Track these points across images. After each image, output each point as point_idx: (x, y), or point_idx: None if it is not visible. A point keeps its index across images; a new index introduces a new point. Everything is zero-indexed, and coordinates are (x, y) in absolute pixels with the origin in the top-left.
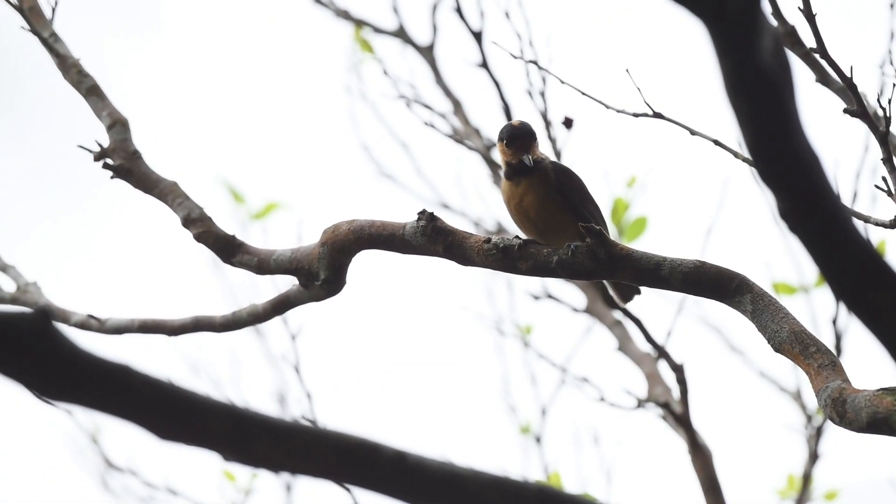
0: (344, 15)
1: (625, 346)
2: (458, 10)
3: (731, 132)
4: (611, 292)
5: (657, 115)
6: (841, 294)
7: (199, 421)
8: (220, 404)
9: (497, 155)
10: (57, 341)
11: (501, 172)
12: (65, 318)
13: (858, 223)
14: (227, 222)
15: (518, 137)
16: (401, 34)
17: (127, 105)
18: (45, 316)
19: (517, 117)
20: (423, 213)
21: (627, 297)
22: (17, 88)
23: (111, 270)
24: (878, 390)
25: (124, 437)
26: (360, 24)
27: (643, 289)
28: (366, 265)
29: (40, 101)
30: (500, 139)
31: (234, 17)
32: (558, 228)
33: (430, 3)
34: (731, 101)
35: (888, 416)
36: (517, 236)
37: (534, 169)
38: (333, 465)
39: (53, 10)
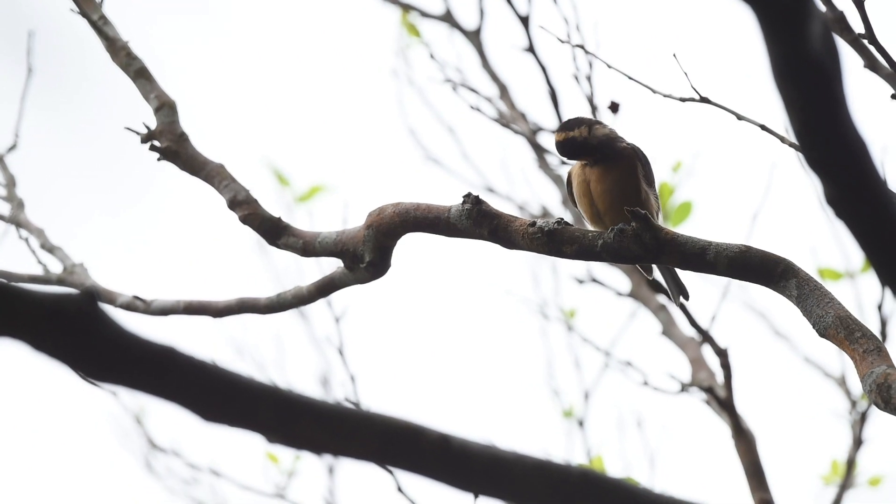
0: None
1: (669, 330)
2: None
3: (778, 117)
4: (667, 290)
5: (704, 100)
6: (887, 280)
7: (244, 402)
8: (265, 386)
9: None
10: (103, 322)
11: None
12: (111, 299)
13: None
14: (272, 205)
15: (569, 144)
16: (447, 18)
17: (174, 87)
18: (92, 297)
19: (572, 120)
20: (468, 196)
21: (677, 298)
22: (67, 71)
23: (157, 252)
24: None
25: (168, 418)
26: (407, 7)
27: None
28: (411, 248)
29: (90, 83)
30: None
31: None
32: (618, 205)
33: None
34: (779, 86)
35: None
36: (561, 218)
37: (618, 156)
38: (377, 448)
39: None
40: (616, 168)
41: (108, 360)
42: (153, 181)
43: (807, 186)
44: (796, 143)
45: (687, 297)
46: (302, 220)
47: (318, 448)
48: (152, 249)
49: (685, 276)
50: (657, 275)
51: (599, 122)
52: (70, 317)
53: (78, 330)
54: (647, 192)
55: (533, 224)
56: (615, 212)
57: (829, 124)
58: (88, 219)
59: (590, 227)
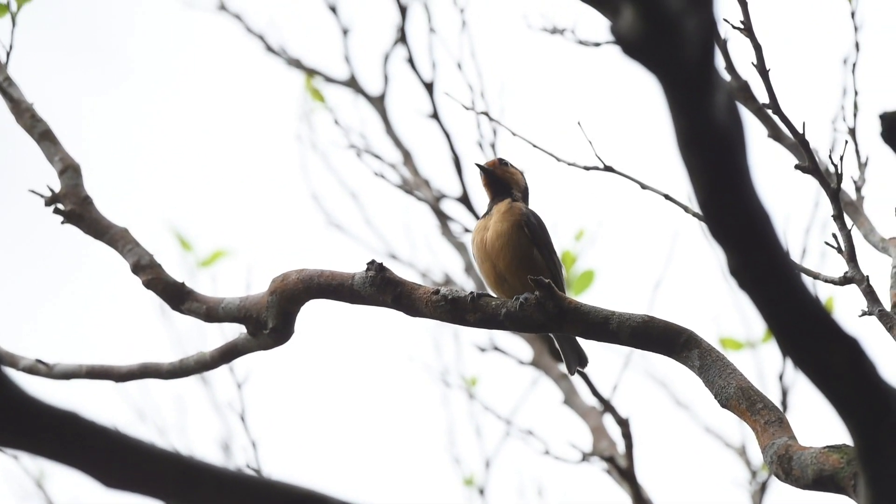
0: (296, 64)
1: (570, 399)
2: (410, 61)
3: (682, 187)
4: (560, 363)
5: (608, 169)
6: (789, 350)
7: (146, 469)
8: (167, 452)
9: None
10: (5, 387)
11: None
12: (12, 362)
13: (807, 280)
14: (175, 269)
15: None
16: (352, 83)
17: (78, 149)
18: None
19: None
20: (372, 263)
21: (572, 369)
22: None
23: (59, 315)
24: (825, 448)
25: (69, 482)
26: (311, 72)
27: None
28: (314, 314)
29: None
30: (482, 172)
31: (186, 63)
32: (521, 265)
33: (381, 53)
34: (684, 155)
35: (834, 473)
36: (472, 292)
37: (507, 194)
38: None
39: (8, 54)
40: (507, 223)
41: (10, 425)
42: (56, 244)
43: (709, 256)
44: (700, 212)
45: (585, 364)
46: (205, 285)
47: None
48: (54, 313)
49: (585, 343)
50: (555, 342)
51: (513, 166)
52: None
53: None
54: (539, 254)
55: (437, 292)
56: (514, 272)
57: (732, 194)
58: None
59: (491, 293)
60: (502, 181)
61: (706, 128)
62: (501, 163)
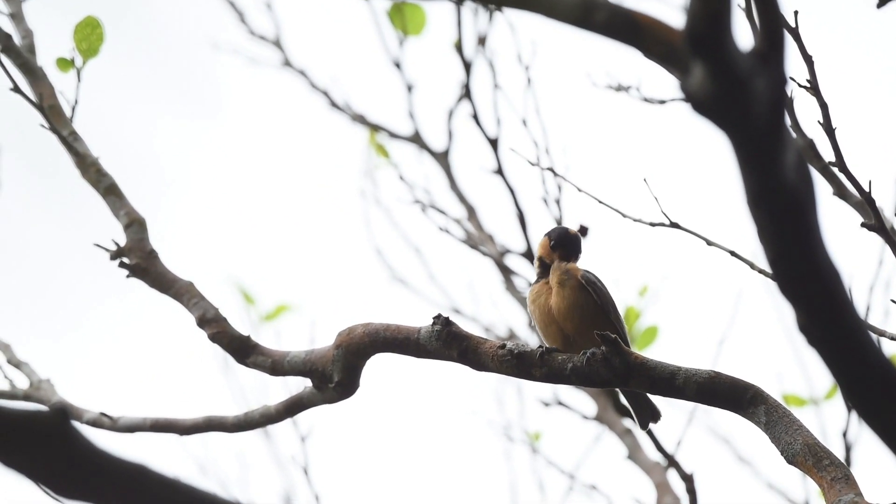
0: (360, 119)
1: (634, 454)
2: (475, 117)
3: (747, 244)
4: (633, 416)
5: (674, 225)
6: (857, 406)
7: None
8: None
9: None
10: (75, 440)
11: (534, 271)
12: (78, 415)
13: (873, 336)
14: (239, 324)
15: (568, 240)
16: (416, 139)
17: (143, 203)
18: (64, 414)
19: (573, 226)
20: (438, 317)
21: (645, 424)
22: (37, 184)
23: (125, 369)
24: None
25: None
26: (375, 128)
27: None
28: (379, 369)
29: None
30: (546, 235)
31: (251, 120)
32: (582, 324)
33: (446, 109)
34: (753, 213)
35: None
36: (541, 346)
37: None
38: None
39: (73, 108)
40: (570, 285)
41: (79, 477)
42: (122, 298)
43: (772, 313)
44: (767, 269)
45: (658, 419)
46: (268, 339)
47: None
48: (119, 366)
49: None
50: (623, 398)
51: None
52: (42, 434)
53: (50, 447)
54: (604, 313)
55: (503, 346)
56: (582, 333)
57: (802, 252)
58: (56, 335)
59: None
60: (571, 248)
61: (776, 185)
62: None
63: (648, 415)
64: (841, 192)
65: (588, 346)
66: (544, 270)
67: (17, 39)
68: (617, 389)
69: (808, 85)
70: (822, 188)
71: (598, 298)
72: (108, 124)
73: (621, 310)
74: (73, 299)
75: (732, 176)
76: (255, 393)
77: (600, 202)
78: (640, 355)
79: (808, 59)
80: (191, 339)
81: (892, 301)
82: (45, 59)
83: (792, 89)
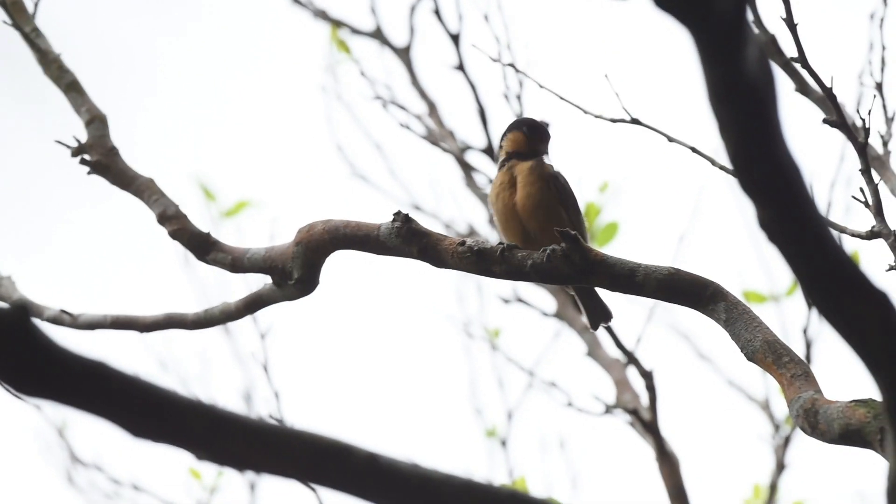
0: (322, 15)
1: (594, 351)
2: (437, 12)
3: (709, 140)
4: (583, 317)
5: (635, 121)
6: (817, 303)
7: (174, 419)
8: (193, 402)
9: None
10: (36, 337)
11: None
12: (38, 312)
13: (835, 233)
14: (200, 220)
15: (540, 130)
16: (378, 35)
17: (104, 100)
18: (24, 311)
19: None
20: (398, 214)
21: (596, 324)
22: None
23: (84, 265)
24: (851, 402)
25: (91, 432)
26: (337, 24)
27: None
28: (338, 265)
29: (21, 92)
30: (517, 128)
31: (211, 14)
32: (546, 223)
33: (408, 5)
34: (715, 109)
35: (861, 427)
36: (501, 242)
37: (534, 155)
38: (304, 465)
39: (36, 5)
40: (537, 184)
41: (41, 375)
42: (82, 194)
43: (734, 210)
44: (729, 166)
45: (610, 319)
46: (229, 236)
47: (244, 465)
48: (80, 263)
49: (610, 297)
50: (576, 299)
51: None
52: (2, 331)
53: (11, 344)
54: (565, 213)
55: (463, 243)
56: (544, 231)
57: (763, 148)
58: (15, 231)
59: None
60: (537, 145)
61: (737, 80)
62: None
63: (600, 315)
64: (803, 88)
65: (549, 243)
66: (510, 165)
67: None
68: (570, 290)
69: None
70: (783, 84)
71: (559, 194)
72: (69, 21)
73: (582, 206)
74: (34, 196)
75: (694, 72)
76: (216, 290)
77: (562, 98)
78: (600, 252)
79: None
80: (152, 236)
81: (854, 197)
82: None
83: None
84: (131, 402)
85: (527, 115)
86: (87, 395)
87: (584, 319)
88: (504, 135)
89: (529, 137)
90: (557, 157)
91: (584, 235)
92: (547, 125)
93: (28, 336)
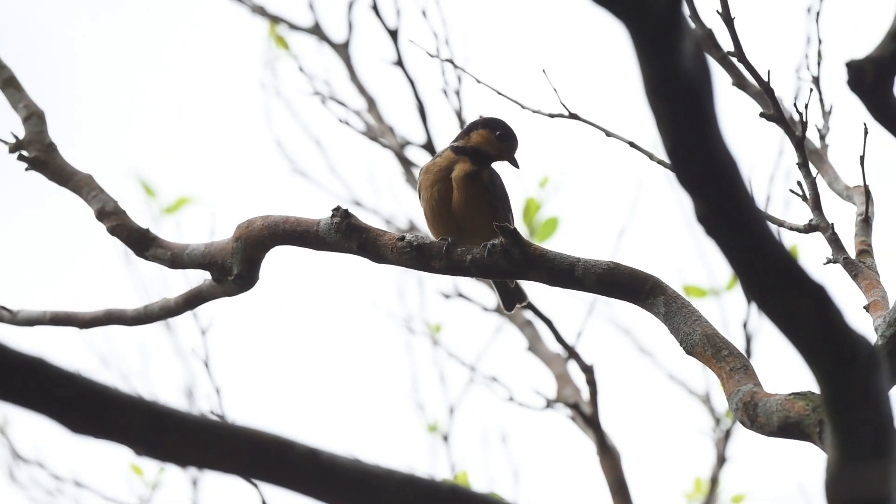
0: (260, 11)
1: (535, 346)
2: (375, 8)
3: (647, 134)
4: (496, 299)
5: (573, 116)
6: (755, 297)
7: (113, 415)
8: (135, 399)
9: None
10: None
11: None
12: None
13: (773, 227)
14: (140, 216)
15: (515, 140)
16: (316, 31)
17: (42, 95)
18: None
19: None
20: (337, 209)
21: (510, 306)
22: None
23: (23, 262)
24: (790, 394)
25: (32, 428)
26: (275, 20)
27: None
28: (278, 261)
29: None
30: (490, 128)
31: (149, 8)
32: (476, 224)
33: (346, 1)
34: (651, 103)
35: (800, 420)
36: (445, 239)
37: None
38: (245, 461)
39: None
40: (472, 188)
41: None
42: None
43: (673, 204)
44: (666, 160)
45: (524, 300)
46: (169, 232)
47: (185, 461)
48: (18, 259)
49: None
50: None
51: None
52: None
53: None
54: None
55: (402, 238)
56: (479, 225)
57: (700, 142)
58: None
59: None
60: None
61: (673, 74)
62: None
63: (514, 296)
64: (740, 82)
65: (481, 235)
66: (458, 159)
67: None
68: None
69: None
70: (721, 78)
71: (491, 197)
72: (4, 16)
73: (522, 202)
74: None
75: (631, 66)
76: (156, 286)
77: (500, 94)
78: (539, 247)
79: None
80: (90, 233)
81: (792, 191)
82: None
83: None
84: (70, 399)
85: (466, 110)
86: (25, 391)
87: (498, 301)
88: (475, 126)
89: (498, 143)
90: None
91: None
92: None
93: None
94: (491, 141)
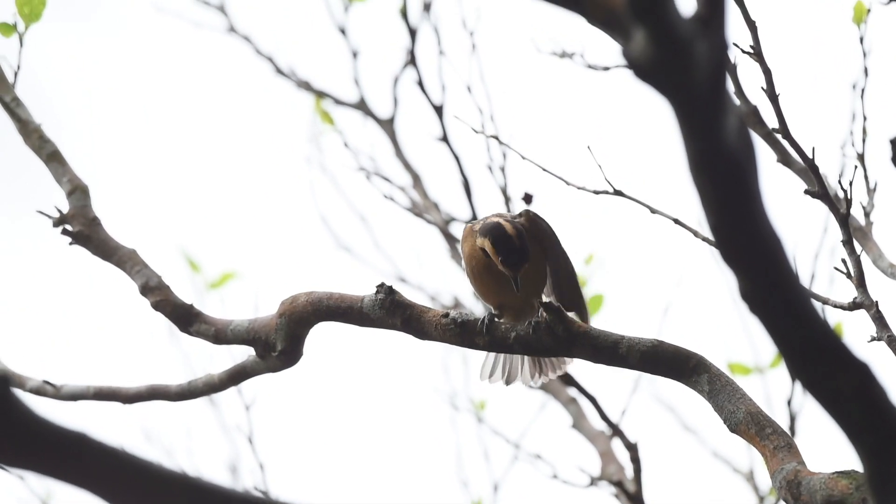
0: (305, 86)
1: (579, 423)
2: (420, 84)
3: (692, 211)
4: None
5: (617, 193)
6: (799, 375)
7: (156, 490)
8: (177, 474)
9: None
10: (15, 407)
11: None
12: (20, 383)
13: (817, 305)
14: (184, 291)
15: (513, 255)
16: (361, 106)
17: (87, 170)
18: (5, 381)
19: (508, 226)
20: (381, 286)
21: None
22: None
23: (67, 336)
24: (834, 473)
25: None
26: (321, 95)
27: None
28: (323, 337)
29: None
30: (489, 240)
31: (196, 85)
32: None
33: (391, 76)
34: (695, 180)
35: (843, 499)
36: (483, 317)
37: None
38: None
39: (16, 73)
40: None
41: (19, 446)
42: (64, 265)
43: (718, 281)
44: (710, 237)
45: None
46: (213, 307)
47: None
48: (62, 334)
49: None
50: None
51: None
52: None
53: None
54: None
55: (446, 315)
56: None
57: (744, 219)
58: None
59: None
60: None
61: (717, 152)
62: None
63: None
64: (785, 159)
65: (525, 307)
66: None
67: None
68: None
69: (752, 51)
70: (765, 155)
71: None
72: (51, 88)
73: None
74: (16, 266)
75: (675, 143)
76: (200, 361)
77: (544, 170)
78: (584, 324)
79: (752, 25)
80: (134, 307)
81: (836, 269)
82: None
83: (735, 55)
84: (114, 474)
85: (511, 186)
86: (67, 466)
87: (527, 369)
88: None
89: (504, 262)
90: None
91: (583, 303)
92: (531, 197)
93: (9, 407)
94: (493, 254)
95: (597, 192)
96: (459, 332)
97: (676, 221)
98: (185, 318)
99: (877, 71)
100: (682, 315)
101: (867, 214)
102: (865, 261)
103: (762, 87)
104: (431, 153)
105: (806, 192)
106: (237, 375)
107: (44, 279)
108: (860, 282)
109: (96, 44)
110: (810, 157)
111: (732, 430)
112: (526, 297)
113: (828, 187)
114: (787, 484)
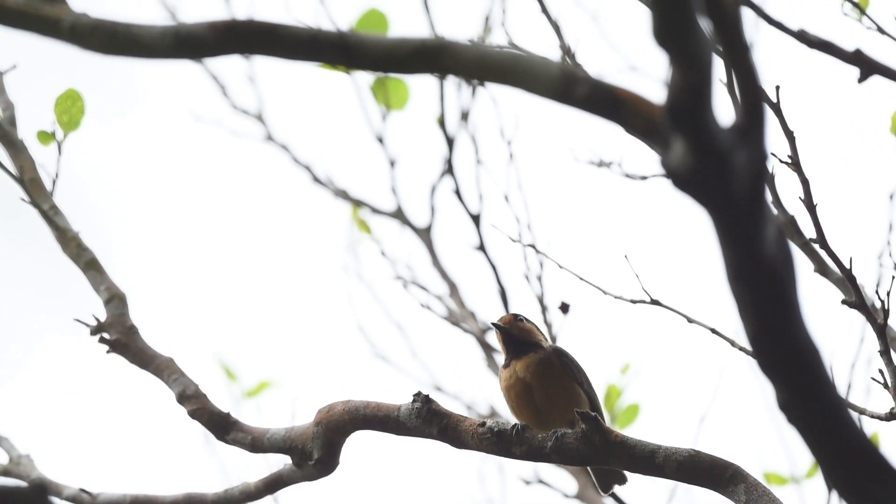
0: (342, 195)
1: None
2: (457, 193)
3: (728, 321)
4: (593, 479)
5: (654, 302)
6: (836, 485)
7: None
8: None
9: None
10: None
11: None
12: (57, 491)
13: (854, 415)
14: (221, 399)
15: (510, 327)
16: (399, 215)
17: (125, 277)
18: (43, 489)
19: (556, 303)
20: (418, 395)
21: (608, 487)
22: (16, 258)
23: (104, 444)
24: None
25: None
26: (358, 203)
27: (630, 475)
28: (359, 445)
29: (39, 270)
30: (494, 328)
31: (233, 193)
32: (560, 404)
33: (428, 185)
34: (733, 289)
35: None
36: (516, 424)
37: (529, 348)
38: None
39: (54, 181)
40: (538, 364)
41: None
42: (102, 372)
43: (754, 390)
44: (748, 347)
45: (624, 482)
46: (250, 415)
47: None
48: (100, 441)
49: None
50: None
51: (528, 321)
52: None
53: None
54: (579, 391)
55: (483, 424)
56: (556, 407)
57: (782, 329)
58: (34, 409)
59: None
60: (518, 338)
61: (756, 261)
62: (516, 319)
63: (612, 478)
64: (822, 268)
65: (557, 417)
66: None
67: None
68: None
69: (790, 160)
70: (803, 265)
71: (567, 370)
72: (89, 196)
73: (604, 388)
74: (54, 374)
75: (713, 252)
76: (236, 469)
77: (581, 279)
78: (620, 433)
79: (790, 135)
80: (171, 415)
81: (873, 379)
82: (27, 132)
83: (773, 165)
84: None
85: (548, 296)
86: None
87: (594, 482)
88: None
89: (503, 337)
90: (579, 337)
91: (601, 411)
92: (567, 307)
93: None
94: (499, 339)
95: (634, 302)
96: (496, 441)
97: (713, 331)
98: (222, 426)
99: None
100: (719, 424)
101: None
102: None
103: (800, 197)
104: (468, 262)
105: (843, 302)
106: (274, 484)
107: (81, 386)
108: None
109: (133, 151)
110: (847, 266)
111: None
112: (555, 419)
113: (865, 297)
114: None
